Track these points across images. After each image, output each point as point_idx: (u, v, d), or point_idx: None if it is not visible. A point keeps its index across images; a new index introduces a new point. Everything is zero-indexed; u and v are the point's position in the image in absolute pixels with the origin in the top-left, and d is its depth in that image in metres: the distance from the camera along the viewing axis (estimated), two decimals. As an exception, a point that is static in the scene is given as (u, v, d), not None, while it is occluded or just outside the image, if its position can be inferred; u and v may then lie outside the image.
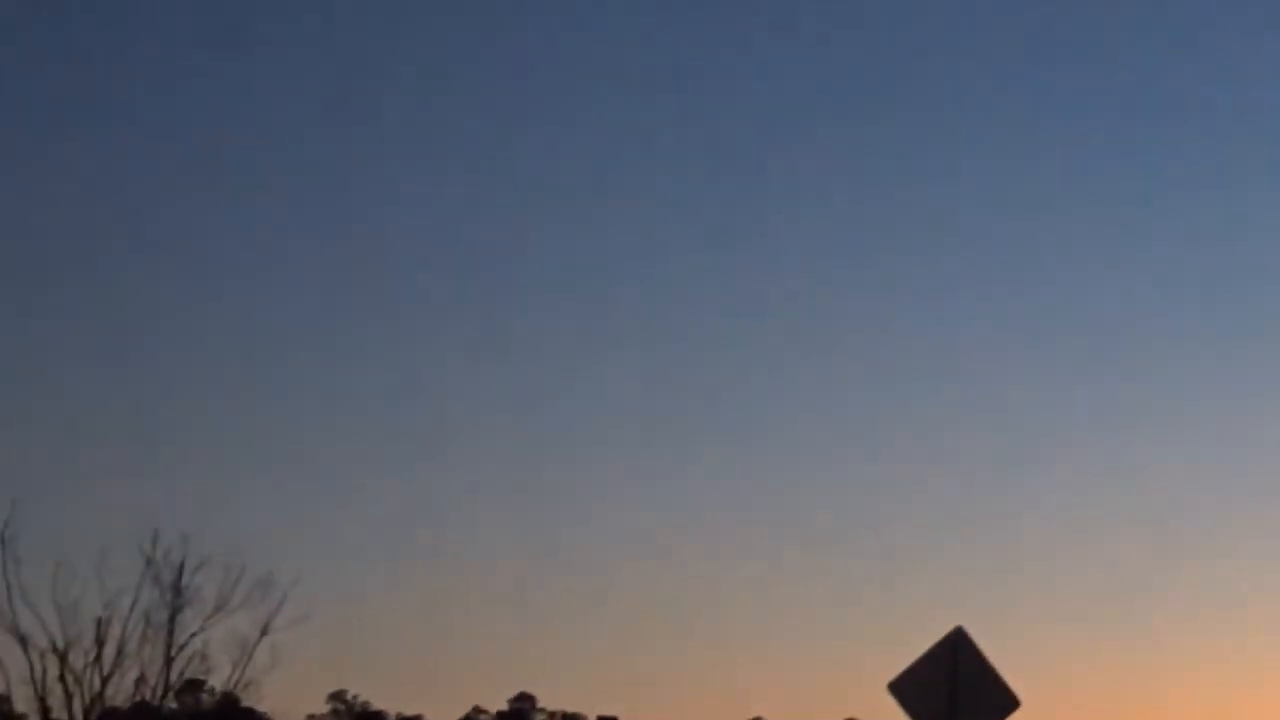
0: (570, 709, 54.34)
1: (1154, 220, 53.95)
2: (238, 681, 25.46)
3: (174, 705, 26.89)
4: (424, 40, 53.27)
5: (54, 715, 24.71)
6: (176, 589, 25.08)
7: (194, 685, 26.43)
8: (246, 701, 26.77)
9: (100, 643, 24.76)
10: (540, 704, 53.81)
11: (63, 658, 24.62)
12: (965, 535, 48.74)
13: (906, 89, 54.52)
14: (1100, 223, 56.00)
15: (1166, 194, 55.77)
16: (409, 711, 50.27)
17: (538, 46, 53.89)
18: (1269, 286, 51.73)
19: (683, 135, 54.18)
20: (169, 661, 25.10)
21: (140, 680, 25.10)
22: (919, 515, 49.28)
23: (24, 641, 24.42)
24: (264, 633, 25.17)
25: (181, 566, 25.08)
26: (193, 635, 25.09)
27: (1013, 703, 13.26)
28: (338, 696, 38.39)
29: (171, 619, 25.09)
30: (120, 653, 24.93)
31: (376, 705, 47.80)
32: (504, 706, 54.43)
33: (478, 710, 53.27)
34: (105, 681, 24.83)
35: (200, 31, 51.20)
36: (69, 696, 24.64)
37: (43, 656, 24.56)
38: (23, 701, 25.31)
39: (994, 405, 51.47)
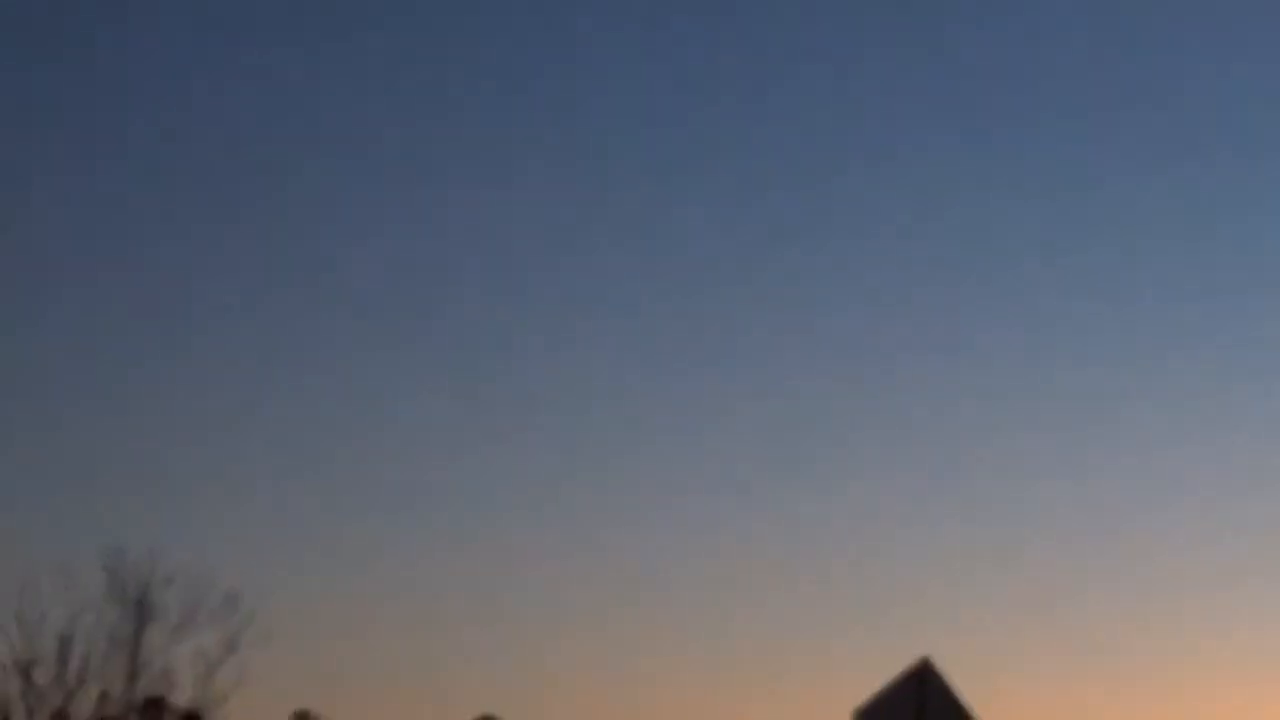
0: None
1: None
2: (202, 699, 25.38)
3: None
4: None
5: (16, 731, 24.60)
6: (141, 605, 25.00)
7: (158, 703, 26.31)
8: (210, 719, 26.67)
9: (64, 659, 24.67)
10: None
11: (26, 674, 24.53)
12: (935, 559, 48.63)
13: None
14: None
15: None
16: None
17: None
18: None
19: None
20: (133, 679, 25.00)
21: (104, 697, 24.99)
22: (886, 540, 49.18)
23: (-13, 657, 24.32)
24: (229, 650, 25.11)
25: (147, 583, 25.01)
26: (157, 652, 25.03)
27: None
28: (302, 716, 38.28)
29: (136, 636, 25.00)
30: (84, 669, 24.83)
31: None
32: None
33: (443, 730, 53.32)
34: (69, 698, 24.73)
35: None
36: (31, 713, 24.53)
37: (5, 672, 24.48)
38: (-15, 717, 25.19)
39: (978, 434, 51.37)
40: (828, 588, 46.47)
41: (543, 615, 48.57)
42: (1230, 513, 47.55)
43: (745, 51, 54.60)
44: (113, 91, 50.64)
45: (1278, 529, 46.61)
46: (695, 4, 52.80)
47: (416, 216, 52.94)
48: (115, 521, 39.02)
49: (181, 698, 26.50)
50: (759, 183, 54.06)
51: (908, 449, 49.83)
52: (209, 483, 46.59)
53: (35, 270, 48.41)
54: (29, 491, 40.39)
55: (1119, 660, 45.36)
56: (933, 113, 55.72)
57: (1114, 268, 52.34)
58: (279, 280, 52.38)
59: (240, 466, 47.43)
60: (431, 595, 46.72)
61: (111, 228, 50.50)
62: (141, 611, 24.93)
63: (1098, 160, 53.31)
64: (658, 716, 44.97)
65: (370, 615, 45.68)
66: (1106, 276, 52.69)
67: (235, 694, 25.33)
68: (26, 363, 46.21)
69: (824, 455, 50.16)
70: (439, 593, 46.87)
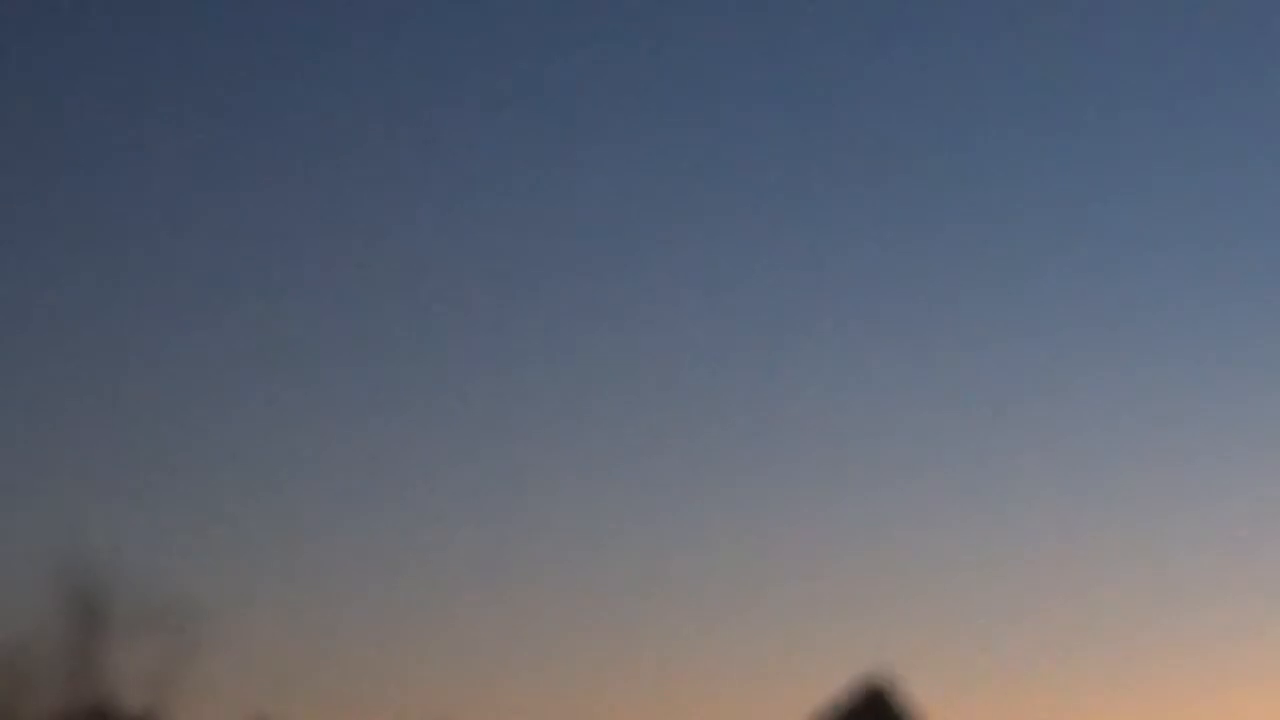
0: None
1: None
2: (153, 705, 25.29)
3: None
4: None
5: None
6: (91, 609, 24.89)
7: (109, 709, 26.18)
8: (160, 725, 26.60)
9: (13, 664, 24.57)
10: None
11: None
12: (900, 562, 48.71)
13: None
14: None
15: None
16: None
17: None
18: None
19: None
20: (83, 684, 24.90)
21: (53, 703, 24.88)
22: (840, 549, 49.30)
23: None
24: (182, 655, 25.01)
25: (97, 586, 24.90)
26: (107, 657, 24.91)
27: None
28: None
29: (86, 640, 24.90)
30: (34, 674, 24.73)
31: None
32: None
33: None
34: (18, 704, 24.63)
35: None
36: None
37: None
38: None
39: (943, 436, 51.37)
40: (789, 590, 46.51)
41: (499, 620, 48.58)
42: (1220, 515, 47.66)
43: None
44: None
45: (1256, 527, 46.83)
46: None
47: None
48: (65, 523, 38.88)
49: (132, 703, 26.41)
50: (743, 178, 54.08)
51: (875, 448, 49.90)
52: (162, 485, 46.52)
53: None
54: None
55: (1090, 667, 45.44)
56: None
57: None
58: (241, 281, 52.29)
59: (195, 468, 47.35)
60: (388, 599, 46.71)
61: (74, 221, 50.31)
62: (91, 615, 24.82)
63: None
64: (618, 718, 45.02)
65: (327, 620, 45.65)
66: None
67: (188, 700, 25.25)
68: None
69: (785, 454, 50.21)
70: (395, 597, 46.88)
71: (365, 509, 49.65)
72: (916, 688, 12.56)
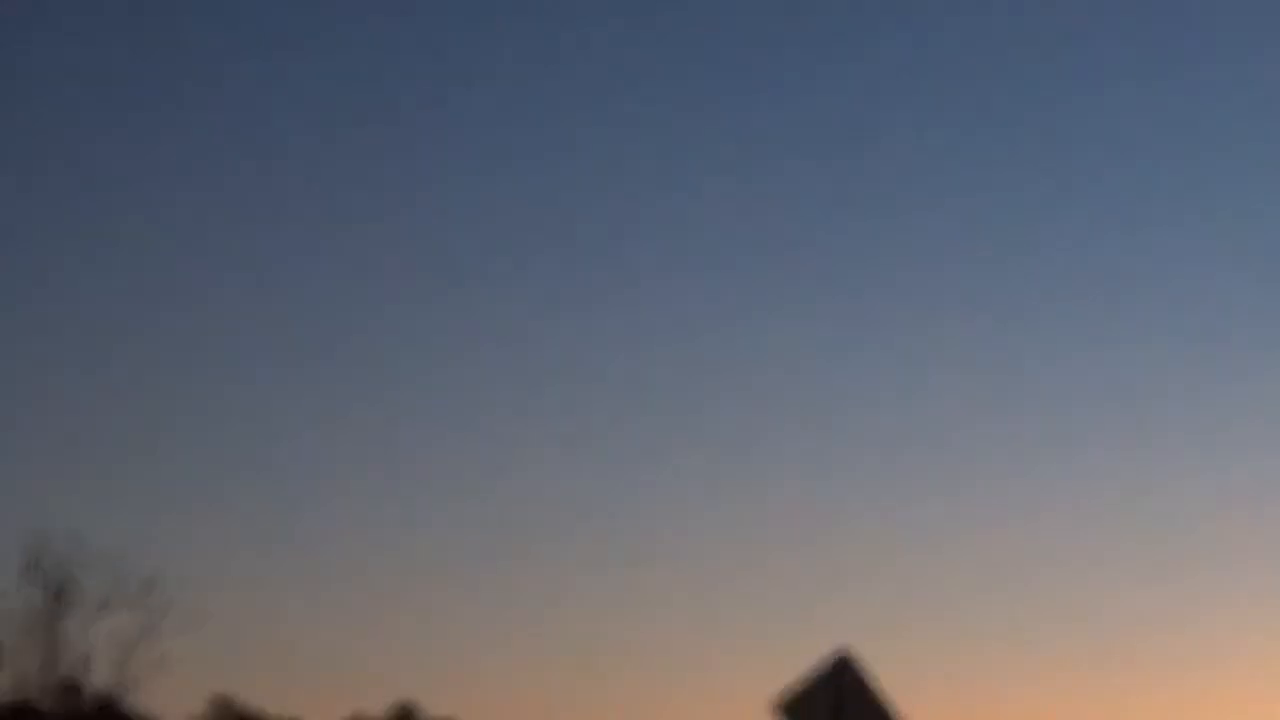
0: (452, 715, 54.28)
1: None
2: (119, 683, 25.31)
3: (55, 705, 26.69)
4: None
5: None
6: (60, 588, 24.90)
7: (75, 686, 26.21)
8: (128, 703, 26.61)
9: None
10: (424, 711, 53.74)
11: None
12: (865, 547, 48.70)
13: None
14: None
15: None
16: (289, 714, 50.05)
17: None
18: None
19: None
20: (51, 661, 24.91)
21: (21, 679, 24.90)
22: (805, 523, 49.22)
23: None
24: (147, 635, 25.03)
25: (66, 566, 24.91)
26: (75, 636, 24.93)
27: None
28: (220, 700, 38.16)
29: (54, 618, 24.91)
30: (1, 652, 24.72)
31: (258, 708, 47.58)
32: (385, 713, 54.31)
33: (357, 717, 53.21)
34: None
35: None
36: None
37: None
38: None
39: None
40: (754, 574, 46.58)
41: (462, 604, 48.52)
42: (1191, 498, 47.87)
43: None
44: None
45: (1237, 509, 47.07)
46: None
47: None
48: (35, 504, 38.82)
49: (99, 681, 26.43)
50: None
51: (845, 436, 49.96)
52: (130, 466, 46.35)
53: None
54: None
55: (1054, 652, 45.53)
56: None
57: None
58: (204, 265, 52.15)
59: (163, 451, 47.20)
60: (351, 582, 46.60)
61: (55, 211, 50.16)
62: (60, 594, 24.84)
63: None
64: (576, 705, 44.99)
65: (291, 601, 45.54)
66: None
67: (153, 678, 25.29)
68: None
69: (751, 440, 50.25)
70: (359, 580, 46.75)
71: (333, 496, 49.60)
72: (883, 662, 12.78)
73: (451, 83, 52.98)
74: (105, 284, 49.82)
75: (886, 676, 13.48)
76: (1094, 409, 51.00)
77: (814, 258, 52.81)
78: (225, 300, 50.95)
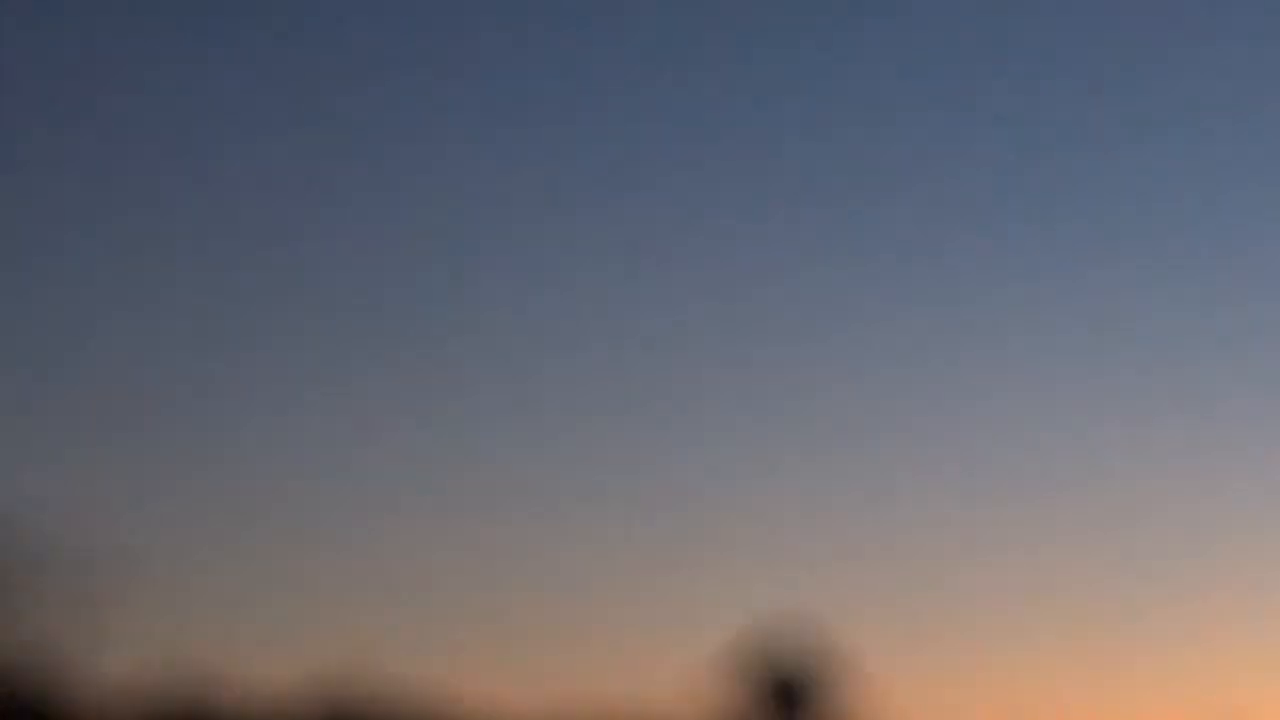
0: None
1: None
2: (66, 654, 24.48)
3: None
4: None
5: None
6: (7, 556, 24.08)
7: (19, 659, 25.36)
8: (71, 677, 25.74)
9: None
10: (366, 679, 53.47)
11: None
12: (816, 517, 48.28)
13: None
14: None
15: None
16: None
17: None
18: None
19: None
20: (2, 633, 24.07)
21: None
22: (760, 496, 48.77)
23: None
24: (94, 603, 24.19)
25: (10, 534, 24.07)
26: (20, 605, 24.08)
27: None
28: (169, 668, 37.75)
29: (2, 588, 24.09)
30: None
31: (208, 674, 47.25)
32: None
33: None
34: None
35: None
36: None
37: None
38: None
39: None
40: (692, 534, 46.08)
41: (412, 576, 48.18)
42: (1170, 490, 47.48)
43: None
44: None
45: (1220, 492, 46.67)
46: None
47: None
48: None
49: (47, 653, 25.59)
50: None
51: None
52: (70, 432, 45.78)
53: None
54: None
55: (1052, 647, 45.05)
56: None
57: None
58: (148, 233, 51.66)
59: (107, 415, 46.62)
60: (299, 552, 46.21)
61: (59, 202, 49.63)
62: (5, 563, 24.02)
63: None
64: (514, 672, 44.63)
65: (240, 572, 45.09)
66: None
67: (101, 645, 24.47)
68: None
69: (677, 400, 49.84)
70: (307, 550, 46.40)
71: (284, 461, 49.01)
72: (852, 637, 11.89)
73: (451, 82, 52.58)
74: (58, 259, 49.34)
75: (871, 665, 12.68)
76: (1094, 408, 50.70)
77: (811, 234, 52.49)
78: (188, 282, 50.60)
